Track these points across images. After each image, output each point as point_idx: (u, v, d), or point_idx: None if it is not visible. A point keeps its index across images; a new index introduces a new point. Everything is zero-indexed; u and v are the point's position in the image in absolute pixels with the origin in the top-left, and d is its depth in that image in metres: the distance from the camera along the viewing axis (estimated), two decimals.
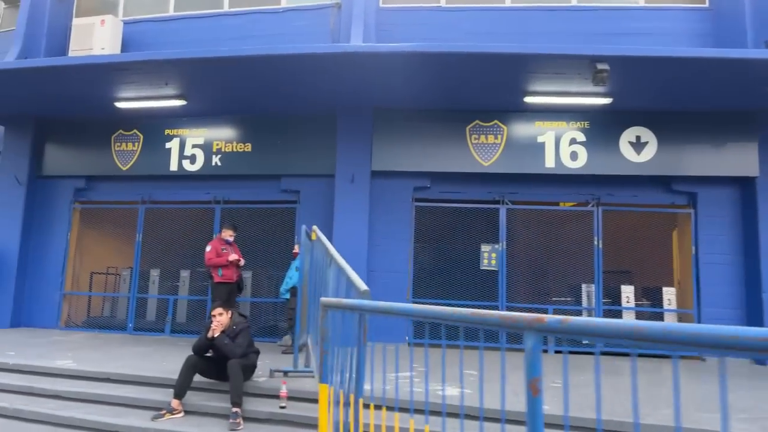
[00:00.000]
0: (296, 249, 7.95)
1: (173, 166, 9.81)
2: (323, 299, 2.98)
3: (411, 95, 8.56)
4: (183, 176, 9.85)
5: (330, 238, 8.72)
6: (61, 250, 10.23)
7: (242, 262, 7.67)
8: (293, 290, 7.64)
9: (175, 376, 5.62)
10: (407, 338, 8.55)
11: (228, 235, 7.73)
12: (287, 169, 9.41)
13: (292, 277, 7.65)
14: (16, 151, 10.32)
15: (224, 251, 7.64)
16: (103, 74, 8.18)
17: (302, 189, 9.40)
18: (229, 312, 5.27)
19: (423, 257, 9.15)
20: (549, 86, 7.91)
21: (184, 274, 10.32)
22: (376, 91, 8.53)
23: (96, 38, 10.00)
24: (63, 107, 9.83)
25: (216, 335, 5.08)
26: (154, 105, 9.02)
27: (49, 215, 10.37)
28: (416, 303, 8.49)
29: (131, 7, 10.67)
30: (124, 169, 10.05)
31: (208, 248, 7.60)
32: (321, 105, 9.05)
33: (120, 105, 9.11)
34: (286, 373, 5.67)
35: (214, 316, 5.16)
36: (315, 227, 5.79)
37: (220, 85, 8.51)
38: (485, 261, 8.80)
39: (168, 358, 6.90)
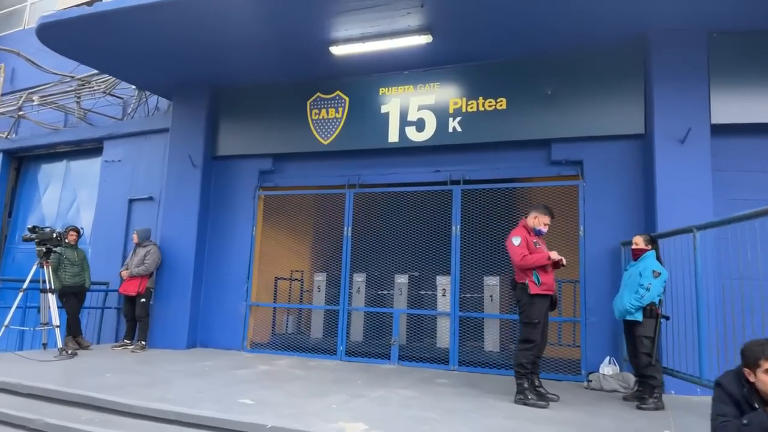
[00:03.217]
0: (640, 243, 5.10)
1: (392, 137, 7.32)
2: None
3: None
4: (406, 149, 7.33)
5: (649, 228, 5.86)
6: (246, 249, 8.02)
7: (564, 261, 4.94)
8: (650, 308, 4.81)
9: None
10: None
11: (543, 223, 5.04)
12: (560, 130, 6.62)
13: (650, 288, 4.79)
14: (187, 128, 8.27)
15: (537, 246, 4.96)
16: None
17: (586, 157, 6.58)
18: None
19: None
20: None
21: (401, 279, 7.80)
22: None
23: None
24: (246, 67, 7.62)
25: None
26: (387, 46, 6.53)
27: (229, 205, 8.22)
28: None
29: None
30: (325, 143, 7.69)
31: (515, 240, 4.92)
32: (618, 29, 6.18)
33: (337, 50, 6.72)
34: None
35: None
36: None
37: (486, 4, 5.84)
38: None
39: (490, 424, 4.24)
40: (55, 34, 6.93)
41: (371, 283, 8.03)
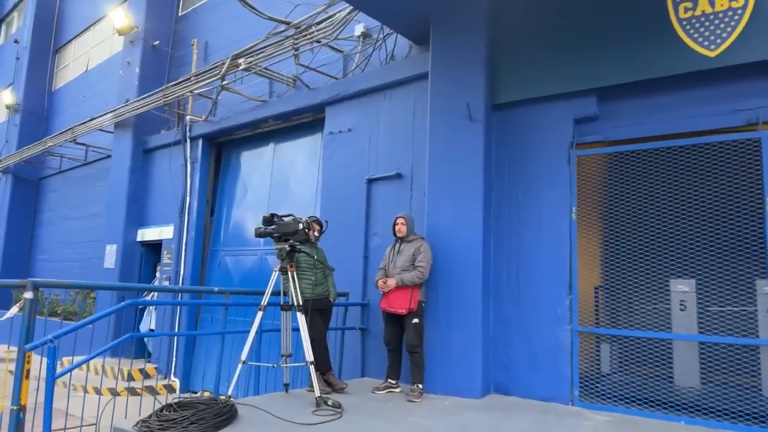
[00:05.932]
0: None
1: None
2: None
3: None
4: None
5: None
6: (561, 243, 5.10)
7: None
8: None
9: None
10: None
11: None
12: None
13: None
14: (457, 65, 5.58)
15: None
16: None
17: None
18: None
19: None
20: None
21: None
22: None
23: None
24: None
25: None
26: None
27: (526, 176, 5.38)
28: None
29: None
30: (712, 54, 4.47)
31: None
32: None
33: None
34: None
35: None
36: None
37: None
38: None
39: None
40: None
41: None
